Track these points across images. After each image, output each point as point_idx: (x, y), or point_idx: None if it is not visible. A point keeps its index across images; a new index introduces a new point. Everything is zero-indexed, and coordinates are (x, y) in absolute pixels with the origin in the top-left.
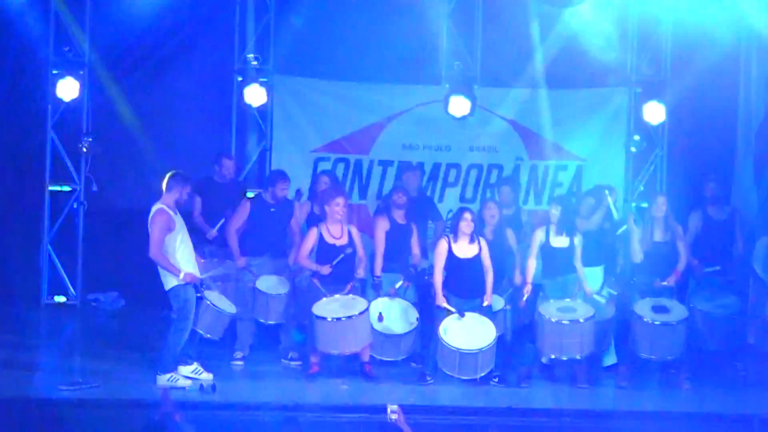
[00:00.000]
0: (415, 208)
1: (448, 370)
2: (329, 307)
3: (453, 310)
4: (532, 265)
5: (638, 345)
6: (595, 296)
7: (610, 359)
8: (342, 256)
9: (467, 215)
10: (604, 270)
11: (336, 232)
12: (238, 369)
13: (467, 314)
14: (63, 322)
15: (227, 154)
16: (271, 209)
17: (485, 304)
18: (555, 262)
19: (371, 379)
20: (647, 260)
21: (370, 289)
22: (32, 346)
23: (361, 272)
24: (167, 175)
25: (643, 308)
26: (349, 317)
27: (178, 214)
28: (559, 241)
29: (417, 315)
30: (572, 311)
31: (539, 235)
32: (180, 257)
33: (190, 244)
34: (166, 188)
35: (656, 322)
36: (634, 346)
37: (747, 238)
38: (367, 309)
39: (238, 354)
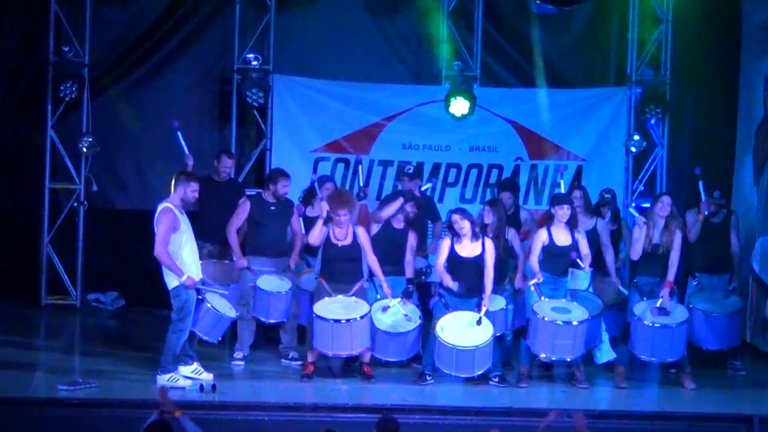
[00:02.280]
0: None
1: (445, 368)
2: (330, 307)
3: (455, 285)
4: (536, 263)
5: (638, 347)
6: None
7: (606, 355)
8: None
9: (455, 217)
10: (591, 274)
11: (340, 234)
12: (238, 369)
13: (465, 313)
14: (63, 322)
15: (228, 151)
16: (272, 208)
17: (483, 310)
18: (557, 261)
19: (369, 380)
20: (649, 260)
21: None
22: (32, 346)
23: (381, 276)
24: (174, 175)
25: (642, 310)
26: (348, 321)
27: (185, 214)
28: (563, 240)
29: (420, 314)
30: (567, 312)
31: (542, 235)
32: (184, 257)
33: (195, 245)
34: (173, 188)
35: (656, 325)
36: (633, 347)
37: (747, 238)
38: (367, 314)
39: (238, 354)
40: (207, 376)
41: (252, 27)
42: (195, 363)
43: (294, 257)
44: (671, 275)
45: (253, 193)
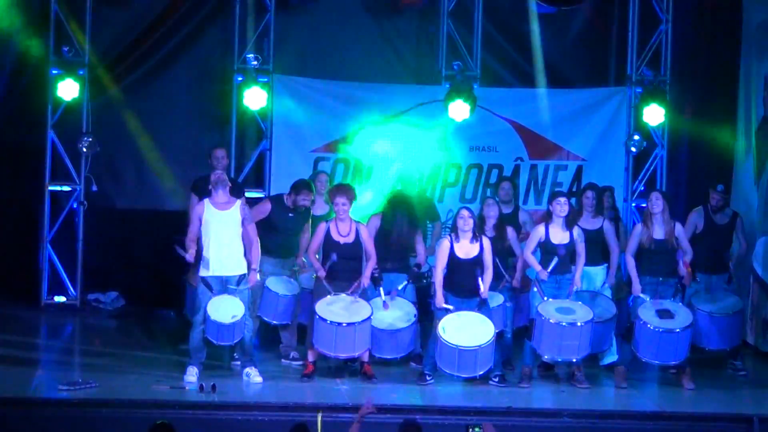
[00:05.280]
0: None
1: (447, 368)
2: (332, 308)
3: (451, 308)
4: (532, 257)
5: (641, 349)
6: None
7: (611, 357)
8: (331, 261)
9: (464, 212)
10: (606, 269)
11: (343, 230)
12: (238, 369)
13: (466, 313)
14: (63, 322)
15: (218, 145)
16: (290, 215)
17: (483, 296)
18: (552, 258)
19: (370, 380)
20: (648, 259)
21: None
22: (32, 346)
23: (365, 281)
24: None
25: (647, 313)
26: (350, 324)
27: (232, 212)
28: (560, 237)
29: (415, 312)
30: (571, 313)
31: (539, 231)
32: (206, 251)
33: (227, 244)
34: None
35: (660, 329)
36: (636, 349)
37: (747, 238)
38: (369, 317)
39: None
40: (256, 379)
41: (252, 27)
42: (249, 367)
43: (301, 254)
44: (688, 258)
45: (261, 194)
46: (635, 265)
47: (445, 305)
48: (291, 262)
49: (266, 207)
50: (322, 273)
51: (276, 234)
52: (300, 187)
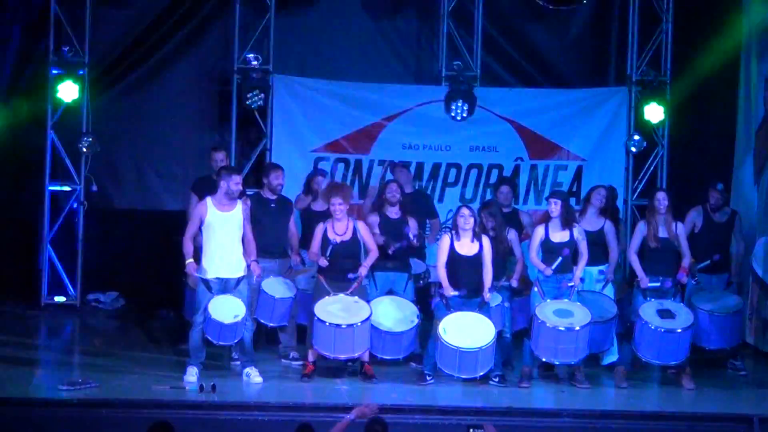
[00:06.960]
0: (410, 203)
1: (448, 369)
2: (330, 309)
3: (456, 293)
4: (537, 260)
5: (642, 349)
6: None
7: (611, 357)
8: (331, 248)
9: (465, 211)
10: (606, 269)
11: (339, 229)
12: (238, 369)
13: (467, 313)
14: (63, 322)
15: (217, 146)
16: (272, 205)
17: (486, 297)
18: (555, 257)
19: (370, 379)
20: (654, 259)
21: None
22: (32, 346)
23: (363, 271)
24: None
25: (648, 313)
26: (350, 326)
27: (234, 213)
28: (560, 236)
29: (418, 314)
30: (569, 315)
31: (539, 232)
32: (208, 251)
33: (229, 245)
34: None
35: (661, 329)
36: (637, 349)
37: (747, 238)
38: (368, 318)
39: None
40: (256, 379)
41: (252, 27)
42: (249, 367)
43: (295, 254)
44: (686, 262)
45: (252, 192)
46: (639, 261)
47: (453, 292)
48: (286, 262)
49: (246, 204)
50: (324, 262)
51: (266, 229)
52: (267, 169)
